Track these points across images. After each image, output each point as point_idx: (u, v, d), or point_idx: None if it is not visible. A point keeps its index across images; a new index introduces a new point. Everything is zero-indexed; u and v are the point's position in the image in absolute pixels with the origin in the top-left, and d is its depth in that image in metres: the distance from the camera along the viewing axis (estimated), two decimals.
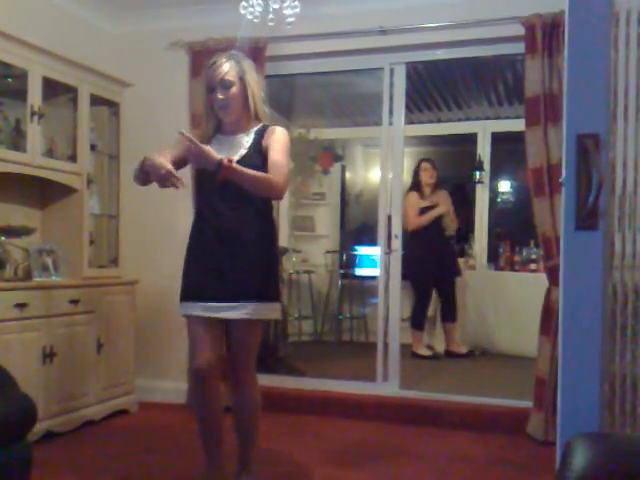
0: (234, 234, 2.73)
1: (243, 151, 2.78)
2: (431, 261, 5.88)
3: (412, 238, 5.72)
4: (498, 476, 3.22)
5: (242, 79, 2.79)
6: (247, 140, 2.82)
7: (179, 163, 2.80)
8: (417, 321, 5.98)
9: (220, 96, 2.76)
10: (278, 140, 2.80)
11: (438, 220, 5.96)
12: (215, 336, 2.78)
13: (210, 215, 2.77)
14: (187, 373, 2.94)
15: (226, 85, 2.75)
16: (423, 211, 5.90)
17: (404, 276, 5.83)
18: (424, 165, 5.99)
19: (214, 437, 2.84)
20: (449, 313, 6.04)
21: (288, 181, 2.78)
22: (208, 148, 2.59)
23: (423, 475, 3.20)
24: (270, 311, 2.82)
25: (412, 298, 6.07)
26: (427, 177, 5.99)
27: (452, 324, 6.04)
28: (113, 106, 4.32)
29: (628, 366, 1.75)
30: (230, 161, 2.57)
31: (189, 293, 2.77)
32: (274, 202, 2.97)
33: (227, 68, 2.78)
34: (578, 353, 1.72)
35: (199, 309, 2.72)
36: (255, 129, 2.85)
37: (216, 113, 2.82)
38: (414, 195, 5.95)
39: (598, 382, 1.71)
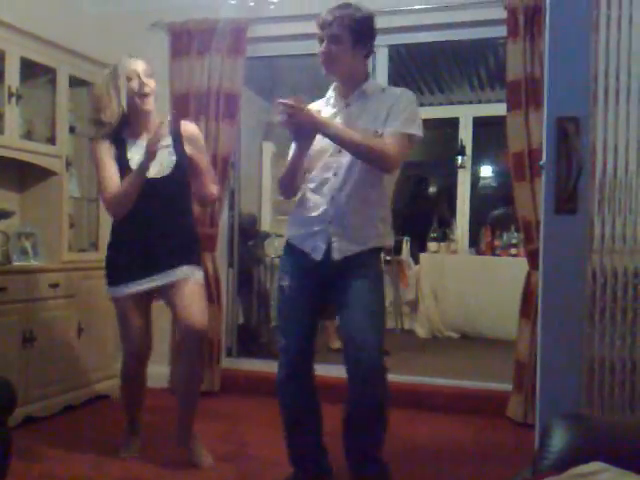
0: (157, 218, 3.00)
1: (173, 158, 2.99)
2: None
3: None
4: (478, 457, 3.25)
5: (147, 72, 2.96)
6: (167, 143, 2.96)
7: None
8: None
9: (143, 80, 2.90)
10: (197, 137, 3.12)
11: None
12: (145, 314, 3.08)
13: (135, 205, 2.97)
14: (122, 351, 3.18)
15: (147, 74, 2.93)
16: None
17: None
18: None
19: (137, 405, 3.23)
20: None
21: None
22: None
23: (403, 456, 3.22)
24: (197, 272, 3.06)
25: None
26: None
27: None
28: (92, 88, 4.26)
29: (607, 349, 1.77)
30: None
31: (121, 276, 3.02)
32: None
33: (145, 63, 2.97)
34: (557, 336, 1.73)
35: (135, 285, 2.98)
36: (165, 128, 2.93)
37: (131, 106, 2.92)
38: None
39: (577, 365, 1.73)
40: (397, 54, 5.45)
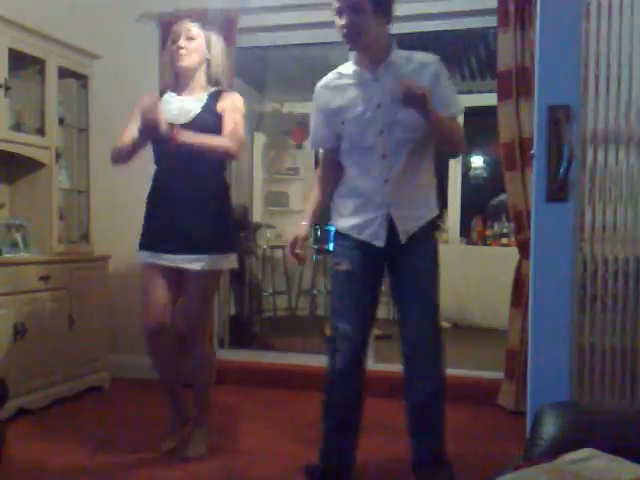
0: (187, 191, 2.87)
1: (197, 111, 2.89)
2: None
3: None
4: (470, 445, 3.26)
5: (208, 41, 2.96)
6: (200, 102, 2.92)
7: None
8: None
9: (182, 44, 2.88)
10: (234, 105, 2.92)
11: None
12: (168, 288, 2.94)
13: (165, 173, 2.92)
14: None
15: (190, 36, 2.90)
16: None
17: None
18: None
19: (169, 385, 3.08)
20: None
21: (243, 144, 2.90)
22: (161, 118, 2.63)
23: (394, 445, 3.23)
24: (224, 261, 2.97)
25: None
26: None
27: None
28: (82, 79, 4.23)
29: (597, 337, 1.78)
30: (174, 129, 2.65)
31: (147, 243, 2.94)
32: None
33: (194, 26, 2.95)
34: (548, 324, 1.74)
35: (156, 258, 2.89)
36: (209, 92, 2.95)
37: (173, 64, 2.93)
38: None
39: (568, 353, 1.74)
40: None
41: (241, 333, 5.42)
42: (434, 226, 2.64)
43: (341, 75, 2.57)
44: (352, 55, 2.54)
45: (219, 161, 2.98)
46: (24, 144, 3.76)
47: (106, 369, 4.28)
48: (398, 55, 2.49)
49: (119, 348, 4.44)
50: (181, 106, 2.92)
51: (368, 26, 2.38)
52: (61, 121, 4.08)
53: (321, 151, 2.76)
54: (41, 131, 3.90)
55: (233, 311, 5.69)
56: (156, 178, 2.98)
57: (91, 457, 2.99)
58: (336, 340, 2.60)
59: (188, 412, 3.17)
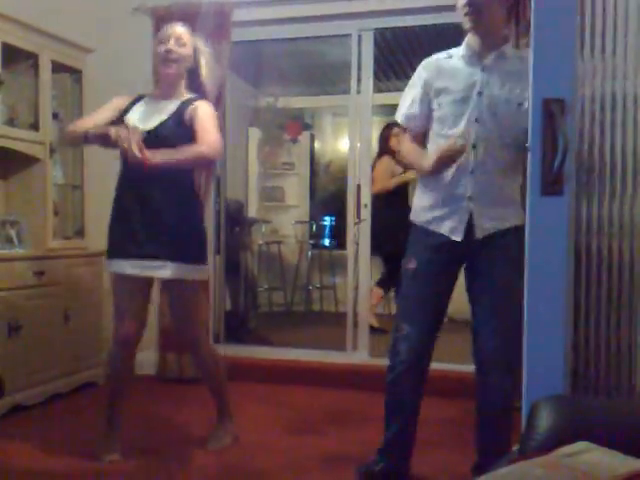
0: (152, 198, 2.80)
1: (163, 118, 2.83)
2: (398, 229, 5.75)
3: (379, 205, 5.30)
4: (466, 438, 3.26)
5: (195, 48, 2.91)
6: (171, 109, 2.86)
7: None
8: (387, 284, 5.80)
9: (173, 47, 2.83)
10: (202, 111, 2.83)
11: (404, 188, 5.69)
12: (139, 300, 2.90)
13: (130, 178, 2.82)
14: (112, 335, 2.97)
15: (182, 42, 2.86)
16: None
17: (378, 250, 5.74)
18: (395, 130, 5.56)
19: (122, 397, 3.00)
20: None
21: (219, 145, 2.81)
22: (135, 147, 2.55)
23: None
24: (192, 272, 2.88)
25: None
26: (398, 143, 5.81)
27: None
28: (75, 73, 4.21)
29: (592, 330, 1.77)
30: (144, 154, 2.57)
31: (114, 250, 2.87)
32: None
33: (184, 30, 2.90)
34: (543, 318, 1.74)
35: (127, 267, 2.81)
36: (182, 100, 2.88)
37: (159, 68, 2.88)
38: (389, 159, 5.62)
39: (563, 347, 1.73)
40: (383, 38, 5.42)
41: (237, 328, 5.42)
42: (521, 235, 2.48)
43: (451, 56, 2.51)
44: (466, 39, 2.49)
45: (187, 169, 2.92)
46: (18, 139, 3.74)
47: (101, 365, 4.27)
48: (511, 50, 2.48)
49: None
50: (150, 112, 2.86)
51: (489, 7, 2.36)
52: (55, 116, 4.06)
53: (408, 131, 2.68)
54: (35, 126, 3.88)
55: (229, 306, 5.69)
56: (121, 182, 2.89)
57: (87, 453, 2.97)
58: (398, 341, 2.55)
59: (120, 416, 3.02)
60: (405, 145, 2.66)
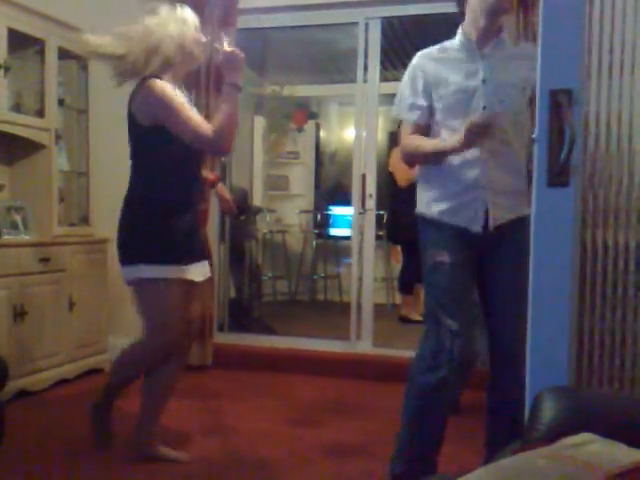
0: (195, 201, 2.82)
1: None
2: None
3: (400, 196, 5.25)
4: (470, 428, 3.27)
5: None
6: None
7: None
8: (409, 284, 5.76)
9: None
10: (157, 99, 2.56)
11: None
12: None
13: (194, 179, 2.80)
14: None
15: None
16: None
17: (393, 239, 5.69)
18: None
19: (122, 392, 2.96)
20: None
21: (197, 126, 2.54)
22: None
23: (393, 428, 3.25)
24: (126, 273, 2.69)
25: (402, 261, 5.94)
26: None
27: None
28: (82, 60, 4.21)
29: (597, 322, 1.77)
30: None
31: (184, 256, 2.71)
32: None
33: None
34: (547, 309, 1.73)
35: (197, 274, 2.74)
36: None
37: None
38: None
39: (567, 338, 1.73)
40: (390, 27, 5.40)
41: (241, 317, 5.43)
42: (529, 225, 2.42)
43: (445, 49, 2.46)
44: (460, 28, 2.44)
45: (149, 162, 2.67)
46: (24, 125, 3.74)
47: (106, 351, 4.29)
48: (506, 36, 2.45)
49: (118, 330, 4.45)
50: None
51: None
52: (61, 102, 4.07)
53: (407, 125, 2.51)
54: (41, 112, 3.88)
55: (233, 294, 5.70)
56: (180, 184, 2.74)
57: (92, 439, 2.98)
58: (444, 338, 2.35)
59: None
60: (409, 139, 2.48)
